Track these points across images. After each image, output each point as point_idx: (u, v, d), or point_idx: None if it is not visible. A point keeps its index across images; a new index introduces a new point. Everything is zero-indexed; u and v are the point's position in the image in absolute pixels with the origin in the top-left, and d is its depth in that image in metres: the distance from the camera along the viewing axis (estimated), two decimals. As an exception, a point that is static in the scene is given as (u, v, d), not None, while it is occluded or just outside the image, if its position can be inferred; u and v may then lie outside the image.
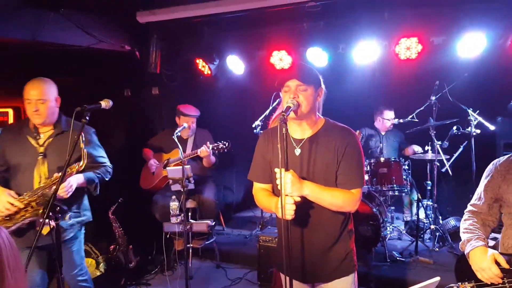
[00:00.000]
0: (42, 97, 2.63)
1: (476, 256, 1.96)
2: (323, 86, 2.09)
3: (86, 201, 2.99)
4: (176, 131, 3.88)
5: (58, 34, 4.07)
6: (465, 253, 2.04)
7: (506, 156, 2.15)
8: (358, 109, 5.57)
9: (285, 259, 1.83)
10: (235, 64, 5.00)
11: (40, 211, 2.54)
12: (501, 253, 1.96)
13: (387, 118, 5.35)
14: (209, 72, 5.05)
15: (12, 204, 2.48)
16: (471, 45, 4.09)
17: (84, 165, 2.53)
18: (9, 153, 2.72)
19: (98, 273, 4.04)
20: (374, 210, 4.28)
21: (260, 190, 2.20)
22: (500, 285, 1.90)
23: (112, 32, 4.59)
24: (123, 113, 5.15)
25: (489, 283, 1.93)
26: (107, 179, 2.98)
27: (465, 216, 2.21)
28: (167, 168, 4.34)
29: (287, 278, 1.86)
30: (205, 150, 4.24)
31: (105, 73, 4.95)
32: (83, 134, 2.39)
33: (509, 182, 2.04)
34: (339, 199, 1.95)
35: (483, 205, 2.15)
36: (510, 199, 2.01)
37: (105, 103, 2.48)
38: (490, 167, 2.18)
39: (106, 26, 4.51)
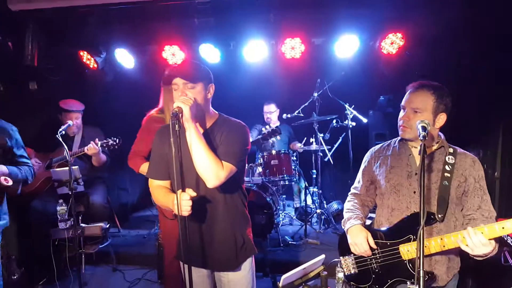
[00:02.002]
0: None
1: (353, 232, 2.25)
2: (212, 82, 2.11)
3: (5, 203, 2.81)
4: (60, 129, 3.54)
5: None
6: (345, 229, 2.33)
7: (380, 144, 2.45)
8: (251, 105, 5.80)
9: (182, 247, 1.91)
10: (124, 58, 4.77)
11: None
12: (375, 229, 2.28)
13: (266, 111, 5.72)
14: (95, 65, 4.75)
15: None
16: (346, 46, 4.50)
17: None
18: None
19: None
20: (268, 199, 4.54)
21: (157, 187, 2.18)
22: (373, 257, 2.22)
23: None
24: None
25: (360, 255, 2.25)
26: (30, 180, 2.86)
27: (348, 198, 2.50)
28: (52, 170, 4.00)
29: (186, 265, 1.91)
30: (92, 148, 3.96)
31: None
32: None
33: (380, 166, 2.33)
34: (211, 159, 1.92)
35: (362, 187, 2.43)
36: (380, 182, 2.30)
37: None
38: (368, 153, 2.46)
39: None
